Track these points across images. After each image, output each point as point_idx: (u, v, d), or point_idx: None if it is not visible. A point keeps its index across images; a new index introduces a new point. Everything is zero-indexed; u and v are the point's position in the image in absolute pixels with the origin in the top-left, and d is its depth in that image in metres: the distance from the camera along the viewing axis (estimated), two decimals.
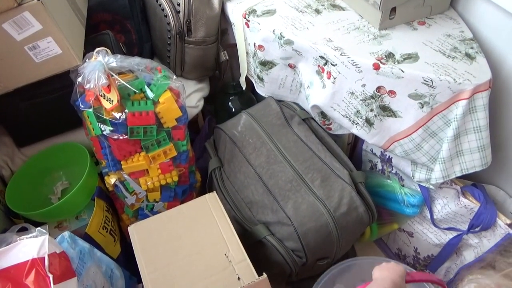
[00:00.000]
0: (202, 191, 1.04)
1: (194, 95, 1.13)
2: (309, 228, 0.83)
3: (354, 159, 1.19)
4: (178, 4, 1.03)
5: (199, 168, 1.06)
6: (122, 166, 0.86)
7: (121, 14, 1.09)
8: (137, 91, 0.82)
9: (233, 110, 1.28)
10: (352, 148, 1.19)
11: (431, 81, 0.79)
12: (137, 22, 1.12)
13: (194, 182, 0.99)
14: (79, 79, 0.79)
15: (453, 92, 0.79)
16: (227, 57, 1.15)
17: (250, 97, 1.30)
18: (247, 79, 1.15)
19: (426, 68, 0.81)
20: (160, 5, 1.05)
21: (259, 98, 1.18)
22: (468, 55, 0.83)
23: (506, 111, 0.89)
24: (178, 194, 0.94)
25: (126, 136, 0.82)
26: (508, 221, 0.86)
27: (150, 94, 0.83)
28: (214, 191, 0.85)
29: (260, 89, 1.11)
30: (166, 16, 1.04)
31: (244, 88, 1.18)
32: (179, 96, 0.87)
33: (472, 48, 0.84)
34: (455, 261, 0.98)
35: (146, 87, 0.84)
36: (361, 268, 0.89)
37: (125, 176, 0.88)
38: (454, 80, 0.78)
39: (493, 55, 0.87)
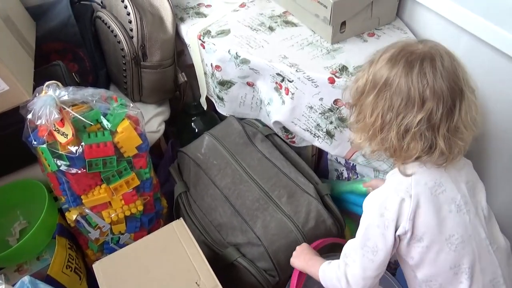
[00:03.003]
0: (170, 217, 1.02)
1: (155, 119, 1.11)
2: (279, 246, 0.83)
3: (320, 169, 1.20)
4: (131, 30, 1.02)
5: (165, 193, 1.04)
6: (83, 201, 0.83)
7: (73, 42, 1.06)
8: (93, 123, 0.80)
9: (197, 130, 1.27)
10: (318, 158, 1.21)
11: None
12: (90, 49, 1.09)
13: (161, 209, 0.97)
14: (29, 116, 0.76)
15: None
16: (186, 79, 1.15)
17: (212, 116, 1.29)
18: (207, 98, 1.14)
19: None
20: (112, 31, 1.03)
21: (221, 117, 1.18)
22: None
23: None
24: (145, 223, 0.91)
25: (85, 170, 0.79)
26: None
27: (107, 124, 0.81)
28: (181, 218, 0.84)
29: (221, 109, 1.10)
30: (119, 42, 1.03)
31: (205, 108, 1.18)
32: (138, 124, 0.86)
33: None
34: None
35: (102, 117, 0.82)
36: None
37: (87, 210, 0.84)
38: None
39: None
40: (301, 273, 0.77)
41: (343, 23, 0.91)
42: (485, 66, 0.80)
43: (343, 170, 1.12)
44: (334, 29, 0.91)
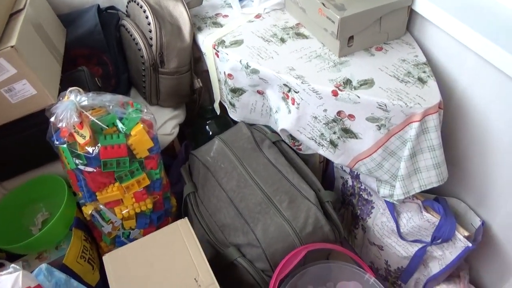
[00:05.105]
0: (179, 215, 1.08)
1: (169, 122, 1.17)
2: (276, 249, 0.87)
3: (327, 176, 1.24)
4: (151, 38, 1.08)
5: (176, 193, 1.10)
6: (98, 197, 0.90)
7: (98, 48, 1.14)
8: (109, 126, 0.87)
9: (211, 133, 1.33)
10: (325, 165, 1.24)
11: (385, 105, 0.84)
12: (113, 55, 1.17)
13: (170, 208, 1.03)
14: (52, 119, 0.83)
15: (406, 115, 0.84)
16: (201, 85, 1.20)
17: (226, 120, 1.34)
18: (221, 104, 1.20)
19: (380, 93, 0.86)
20: (134, 39, 1.10)
21: (235, 121, 1.23)
22: (420, 79, 0.88)
23: (460, 129, 0.94)
24: (154, 220, 0.98)
25: (100, 169, 0.86)
26: (466, 234, 0.90)
27: (122, 128, 0.88)
28: (186, 218, 0.89)
29: (232, 114, 1.16)
30: (140, 49, 1.10)
31: (218, 113, 1.23)
32: (151, 127, 0.92)
33: (424, 72, 0.89)
34: (423, 273, 1.02)
35: (118, 121, 0.88)
36: (330, 271, 0.92)
37: (101, 206, 0.92)
38: (406, 104, 0.83)
39: (447, 77, 0.92)
40: (283, 266, 0.80)
41: (351, 37, 0.94)
42: (490, 85, 0.82)
43: (348, 178, 1.15)
44: (341, 43, 0.94)
